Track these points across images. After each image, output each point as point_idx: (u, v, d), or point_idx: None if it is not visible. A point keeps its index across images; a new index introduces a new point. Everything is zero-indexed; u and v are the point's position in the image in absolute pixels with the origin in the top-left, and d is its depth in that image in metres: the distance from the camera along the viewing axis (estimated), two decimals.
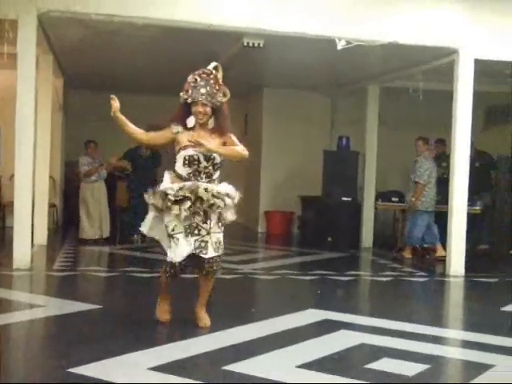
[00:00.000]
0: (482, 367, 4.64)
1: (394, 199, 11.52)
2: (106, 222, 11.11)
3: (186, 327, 5.49)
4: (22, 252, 7.92)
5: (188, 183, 5.22)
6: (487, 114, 13.47)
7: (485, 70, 9.24)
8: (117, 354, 4.55)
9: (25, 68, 7.89)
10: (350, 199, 11.60)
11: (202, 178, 5.30)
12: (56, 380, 4.09)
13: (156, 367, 4.32)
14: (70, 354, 4.59)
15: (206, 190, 5.21)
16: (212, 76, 5.29)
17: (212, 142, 5.26)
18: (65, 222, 13.09)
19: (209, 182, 5.32)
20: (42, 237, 10.06)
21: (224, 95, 5.32)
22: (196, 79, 5.31)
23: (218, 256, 5.35)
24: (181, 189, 5.18)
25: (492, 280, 8.72)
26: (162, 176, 5.40)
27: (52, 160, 11.20)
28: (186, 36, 8.77)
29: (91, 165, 10.99)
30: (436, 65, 9.59)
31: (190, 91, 5.33)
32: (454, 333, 6.00)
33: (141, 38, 9.09)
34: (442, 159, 11.16)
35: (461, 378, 4.66)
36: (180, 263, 5.23)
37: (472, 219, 9.95)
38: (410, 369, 4.50)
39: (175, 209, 5.14)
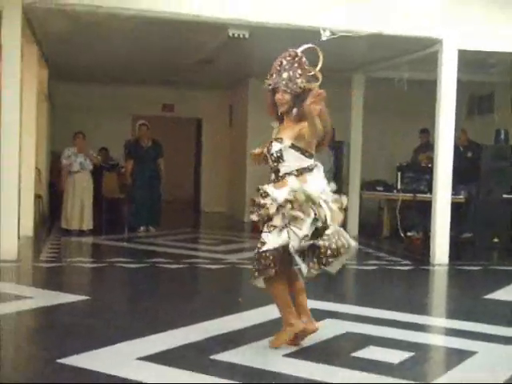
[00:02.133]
0: (465, 354, 4.72)
1: (378, 188, 11.63)
2: (88, 213, 11.03)
3: (174, 317, 5.54)
4: (9, 243, 7.93)
5: None
6: (470, 103, 13.56)
7: (468, 59, 9.31)
8: (106, 345, 4.59)
9: (10, 59, 7.89)
10: (335, 188, 11.63)
11: (272, 177, 4.70)
12: (47, 371, 4.13)
13: (144, 357, 4.36)
14: (59, 345, 4.63)
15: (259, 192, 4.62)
16: (297, 59, 4.64)
17: (285, 134, 4.64)
18: (51, 213, 13.07)
19: (276, 180, 4.63)
20: (27, 228, 10.03)
21: (308, 81, 4.64)
22: (281, 62, 4.67)
23: (257, 253, 4.58)
24: None
25: (475, 268, 8.81)
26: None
27: (38, 151, 11.18)
28: (171, 27, 8.77)
29: (75, 156, 11.00)
30: (420, 55, 9.66)
31: (274, 76, 4.69)
32: (438, 321, 6.10)
33: (125, 29, 9.09)
34: (427, 148, 11.29)
35: (444, 365, 4.75)
36: None
37: (456, 208, 10.04)
38: (395, 356, 4.57)
39: None
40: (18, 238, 8.37)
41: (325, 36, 8.28)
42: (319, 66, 4.71)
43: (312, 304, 6.13)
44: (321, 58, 4.71)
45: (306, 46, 4.74)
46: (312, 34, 8.34)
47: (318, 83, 4.66)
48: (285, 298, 4.70)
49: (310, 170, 4.64)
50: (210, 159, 16.15)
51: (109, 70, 12.98)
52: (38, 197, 11.76)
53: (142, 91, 15.03)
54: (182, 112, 16.16)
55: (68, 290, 6.56)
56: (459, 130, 10.38)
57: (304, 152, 4.59)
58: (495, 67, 10.84)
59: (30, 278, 7.71)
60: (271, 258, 4.50)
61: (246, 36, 8.59)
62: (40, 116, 11.45)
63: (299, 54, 4.66)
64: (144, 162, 11.43)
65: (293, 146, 4.57)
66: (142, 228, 11.44)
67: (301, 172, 4.60)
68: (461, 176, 10.08)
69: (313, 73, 4.69)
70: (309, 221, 4.49)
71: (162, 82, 14.59)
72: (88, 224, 11.01)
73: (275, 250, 4.51)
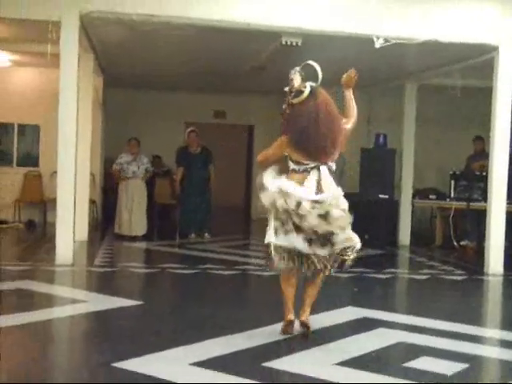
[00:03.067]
0: None
1: (431, 197, 11.52)
2: (139, 218, 11.12)
3: (226, 323, 5.58)
4: (65, 248, 8.08)
5: None
6: None
7: None
8: (159, 349, 4.65)
9: (67, 67, 8.05)
10: (386, 196, 11.58)
11: None
12: (102, 375, 4.21)
13: (197, 363, 4.41)
14: (113, 349, 4.71)
15: None
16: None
17: None
18: (104, 218, 13.29)
19: None
20: (82, 233, 10.19)
21: (296, 96, 5.18)
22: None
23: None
24: None
25: None
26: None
27: (92, 156, 11.38)
28: (224, 35, 8.83)
29: (128, 163, 11.15)
30: (476, 62, 9.53)
31: None
32: (493, 332, 5.99)
33: (180, 37, 9.18)
34: (481, 157, 11.12)
35: (499, 378, 4.68)
36: None
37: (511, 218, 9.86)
38: (448, 368, 4.52)
39: None
40: (73, 242, 8.54)
41: (378, 44, 8.25)
42: (319, 80, 5.29)
43: (365, 313, 6.15)
44: (319, 74, 5.28)
45: (305, 63, 5.31)
46: (365, 42, 8.34)
47: (299, 99, 5.12)
48: (285, 293, 5.32)
49: (296, 172, 5.11)
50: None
51: (163, 77, 13.15)
52: (92, 202, 11.99)
53: (195, 98, 15.16)
54: (234, 119, 16.24)
55: (121, 294, 6.65)
56: None
57: (293, 161, 5.15)
58: None
59: (85, 282, 7.84)
60: (268, 251, 5.14)
61: (299, 44, 8.60)
62: (95, 123, 11.65)
63: (291, 71, 5.23)
64: (193, 169, 11.47)
65: (288, 156, 5.19)
66: (192, 235, 11.50)
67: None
68: None
69: (296, 89, 5.20)
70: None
71: (215, 89, 14.70)
72: (141, 230, 11.11)
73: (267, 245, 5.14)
